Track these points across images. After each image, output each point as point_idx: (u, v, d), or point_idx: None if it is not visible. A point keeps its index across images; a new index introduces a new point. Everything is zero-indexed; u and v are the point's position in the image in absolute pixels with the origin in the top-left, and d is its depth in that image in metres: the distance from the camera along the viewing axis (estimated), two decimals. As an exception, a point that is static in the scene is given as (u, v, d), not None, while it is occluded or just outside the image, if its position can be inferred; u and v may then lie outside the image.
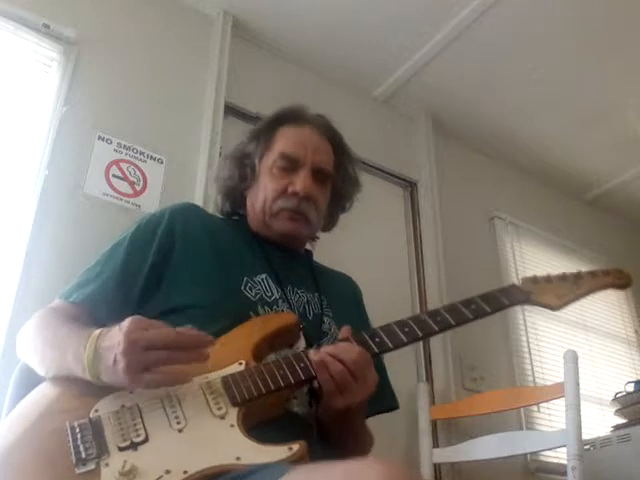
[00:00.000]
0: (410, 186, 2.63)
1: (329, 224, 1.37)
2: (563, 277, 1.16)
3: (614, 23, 2.28)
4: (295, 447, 0.80)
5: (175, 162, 1.96)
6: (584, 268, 1.22)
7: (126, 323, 0.86)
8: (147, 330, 0.86)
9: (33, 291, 1.54)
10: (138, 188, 1.86)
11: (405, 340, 1.00)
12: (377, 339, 1.00)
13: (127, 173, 1.86)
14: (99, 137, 1.86)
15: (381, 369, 1.21)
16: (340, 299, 1.26)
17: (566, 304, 1.13)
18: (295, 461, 0.79)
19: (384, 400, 1.20)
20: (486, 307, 1.07)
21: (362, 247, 2.30)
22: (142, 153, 1.91)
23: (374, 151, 2.53)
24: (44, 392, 0.92)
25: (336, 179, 1.30)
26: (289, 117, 1.30)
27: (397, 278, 2.38)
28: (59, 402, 0.89)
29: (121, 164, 1.86)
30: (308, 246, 1.37)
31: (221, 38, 2.22)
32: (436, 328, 1.03)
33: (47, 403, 0.89)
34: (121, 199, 1.81)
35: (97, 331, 0.90)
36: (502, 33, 2.33)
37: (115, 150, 1.87)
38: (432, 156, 2.67)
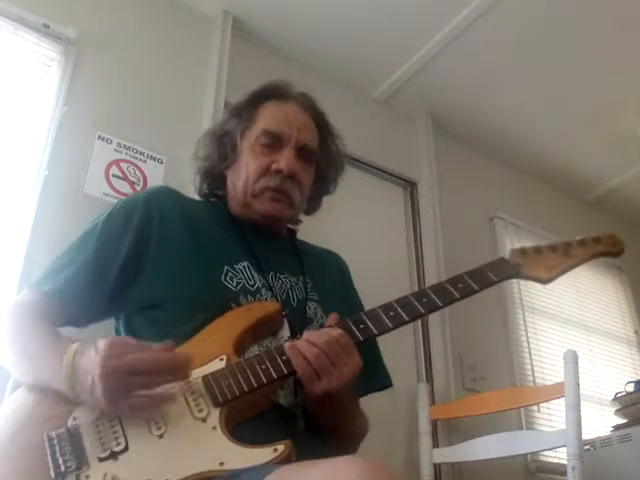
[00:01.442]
0: (410, 186, 2.63)
1: (312, 207, 1.32)
2: (552, 247, 1.12)
3: (614, 23, 2.28)
4: (280, 448, 0.78)
5: (175, 162, 1.95)
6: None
7: (102, 346, 0.82)
8: (125, 354, 0.82)
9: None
10: (138, 188, 1.85)
11: (390, 325, 0.97)
12: (361, 325, 0.97)
13: (127, 173, 1.86)
14: (99, 137, 1.86)
15: (373, 348, 1.19)
16: (326, 279, 1.22)
17: (557, 276, 1.08)
18: (281, 462, 0.77)
19: (376, 379, 1.18)
20: (474, 285, 1.02)
21: (362, 247, 2.29)
22: (142, 153, 1.91)
23: (374, 151, 2.53)
24: (21, 402, 0.89)
25: (320, 159, 1.25)
26: (272, 93, 1.25)
27: (397, 278, 2.37)
28: (36, 411, 0.86)
29: (121, 164, 1.86)
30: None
31: (221, 38, 2.22)
32: (423, 311, 0.99)
33: (25, 414, 0.86)
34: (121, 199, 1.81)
35: (72, 349, 0.86)
36: (502, 33, 2.33)
37: (115, 150, 1.87)
38: (432, 156, 2.67)
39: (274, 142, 1.17)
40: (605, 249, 1.12)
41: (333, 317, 1.00)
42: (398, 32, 2.34)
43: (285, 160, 1.14)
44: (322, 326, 1.01)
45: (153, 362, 0.83)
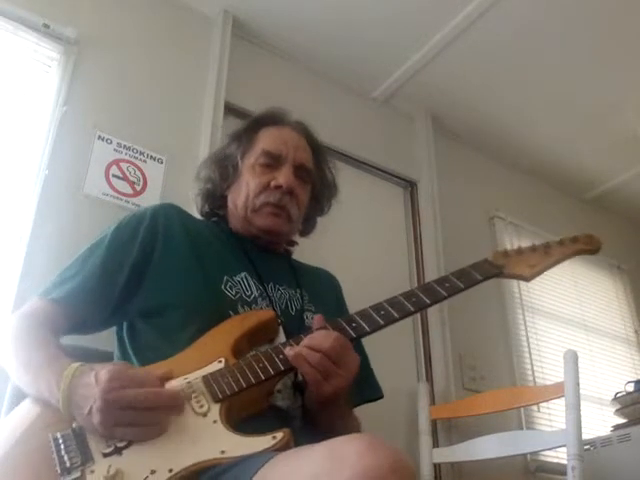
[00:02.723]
0: (410, 186, 2.63)
1: (307, 228, 1.38)
2: (533, 248, 1.19)
3: (614, 23, 2.28)
4: (279, 435, 0.81)
5: (175, 162, 1.96)
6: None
7: (103, 377, 0.85)
8: (125, 388, 0.84)
9: (33, 291, 1.54)
10: (138, 188, 1.85)
11: (381, 323, 1.01)
12: (354, 324, 1.01)
13: (127, 173, 1.86)
14: (99, 137, 1.86)
15: (363, 360, 1.22)
16: (321, 295, 1.27)
17: (539, 273, 1.15)
18: (280, 449, 0.79)
19: (367, 390, 1.22)
20: (459, 283, 1.08)
21: (362, 247, 2.30)
22: (142, 153, 1.91)
23: (374, 151, 2.53)
24: (27, 408, 0.92)
25: (315, 180, 1.32)
26: (270, 119, 1.33)
27: (397, 278, 2.37)
28: (42, 417, 0.89)
29: (121, 164, 1.86)
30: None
31: (221, 38, 2.22)
32: (412, 309, 1.04)
33: (31, 419, 0.89)
34: (121, 199, 1.81)
35: (70, 370, 0.88)
36: (502, 33, 2.33)
37: (115, 150, 1.87)
38: (432, 156, 2.67)
39: (273, 162, 1.24)
40: (582, 247, 1.20)
41: (319, 318, 1.03)
42: (398, 32, 2.34)
43: (284, 177, 1.21)
44: (311, 329, 1.04)
45: (151, 400, 0.86)
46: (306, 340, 0.96)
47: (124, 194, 1.82)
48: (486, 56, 2.44)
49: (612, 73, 2.50)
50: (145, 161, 1.91)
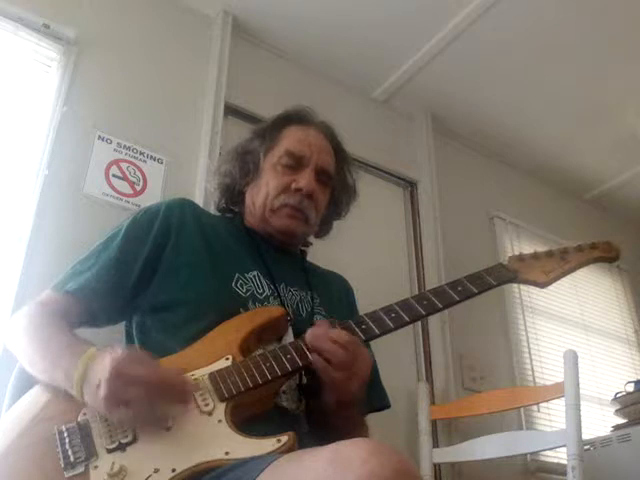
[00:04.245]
0: (410, 186, 2.63)
1: (324, 230, 1.38)
2: (549, 253, 1.16)
3: (614, 23, 2.28)
4: (284, 439, 0.81)
5: (175, 162, 1.96)
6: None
7: (118, 352, 0.85)
8: (137, 365, 0.84)
9: (33, 291, 1.54)
10: (138, 188, 1.85)
11: (392, 325, 1.00)
12: (363, 326, 1.00)
13: (127, 173, 1.86)
14: (99, 137, 1.86)
15: (373, 369, 1.20)
16: (332, 298, 1.27)
17: (554, 280, 1.13)
18: (284, 452, 0.79)
19: (376, 398, 1.21)
20: (473, 288, 1.06)
21: (362, 247, 2.30)
22: (142, 153, 1.91)
23: (374, 151, 2.53)
24: (34, 398, 0.92)
25: (335, 185, 1.32)
26: (296, 118, 1.32)
27: (397, 278, 2.37)
28: (48, 408, 0.89)
29: (121, 164, 1.86)
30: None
31: (221, 38, 2.22)
32: (423, 312, 1.02)
33: (37, 410, 0.89)
34: (121, 199, 1.81)
35: (90, 351, 0.89)
36: (502, 33, 2.33)
37: (115, 150, 1.87)
38: (432, 156, 2.67)
39: (295, 163, 1.23)
40: (601, 255, 1.18)
41: (323, 322, 1.02)
42: (398, 32, 2.34)
43: (305, 180, 1.21)
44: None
45: (158, 379, 0.85)
46: (331, 333, 0.96)
47: (124, 194, 1.82)
48: (486, 56, 2.43)
49: (612, 73, 2.50)
50: (145, 161, 1.91)
